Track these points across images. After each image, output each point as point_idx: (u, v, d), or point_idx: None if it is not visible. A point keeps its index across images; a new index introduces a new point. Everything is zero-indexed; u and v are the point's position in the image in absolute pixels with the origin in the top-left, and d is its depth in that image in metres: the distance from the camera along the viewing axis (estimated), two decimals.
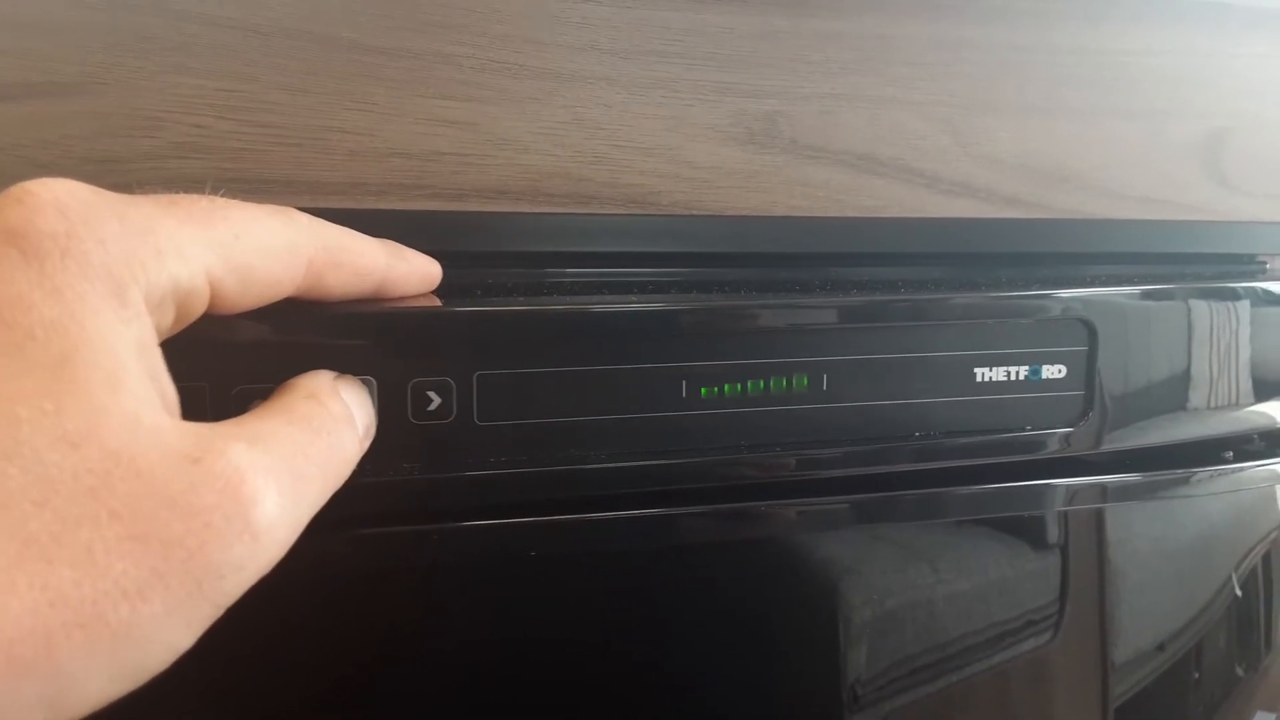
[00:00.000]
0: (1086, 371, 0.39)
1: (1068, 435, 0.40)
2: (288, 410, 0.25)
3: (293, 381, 0.27)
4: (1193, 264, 0.47)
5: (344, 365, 0.30)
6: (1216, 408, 0.45)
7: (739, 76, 0.39)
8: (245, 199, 0.33)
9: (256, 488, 0.22)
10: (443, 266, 0.33)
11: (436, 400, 0.32)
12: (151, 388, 0.22)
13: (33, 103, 0.33)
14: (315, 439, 0.25)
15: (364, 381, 0.30)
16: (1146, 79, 0.45)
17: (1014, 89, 0.43)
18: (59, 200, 0.21)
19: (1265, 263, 0.49)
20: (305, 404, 0.26)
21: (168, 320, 0.23)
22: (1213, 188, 0.47)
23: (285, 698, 0.34)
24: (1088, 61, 0.44)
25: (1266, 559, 0.52)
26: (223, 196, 0.26)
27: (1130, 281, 0.41)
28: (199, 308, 0.24)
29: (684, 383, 0.35)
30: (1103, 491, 0.43)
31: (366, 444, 0.29)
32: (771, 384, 0.36)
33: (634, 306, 0.33)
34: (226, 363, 0.29)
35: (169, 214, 0.23)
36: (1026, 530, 0.43)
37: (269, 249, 0.26)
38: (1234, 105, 0.47)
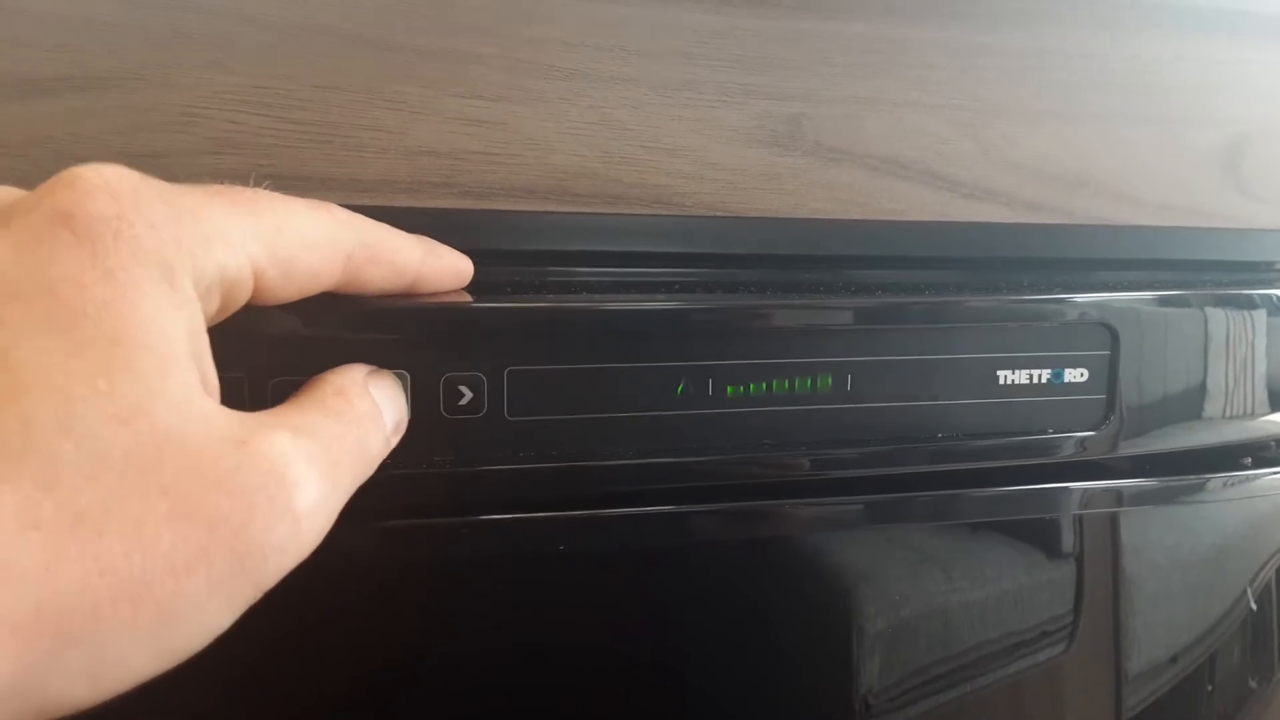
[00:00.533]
0: (1109, 375, 0.39)
1: (1089, 439, 0.40)
2: (319, 404, 0.26)
3: (323, 376, 0.28)
4: (1210, 271, 0.47)
5: (378, 359, 0.30)
6: (1237, 413, 0.45)
7: (764, 79, 0.40)
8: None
9: (300, 473, 0.22)
10: (476, 265, 0.33)
11: (468, 395, 0.32)
12: (198, 372, 0.22)
13: (70, 97, 0.33)
14: (346, 433, 0.25)
15: (397, 375, 0.30)
16: (1165, 85, 0.45)
17: (1033, 94, 0.43)
18: (110, 184, 0.21)
19: None
20: (335, 399, 0.26)
21: (213, 308, 0.24)
22: (1232, 195, 0.47)
23: (313, 688, 0.34)
24: (1107, 67, 0.44)
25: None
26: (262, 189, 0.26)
27: (1152, 287, 0.41)
28: (243, 297, 0.25)
29: (710, 381, 0.35)
30: (1122, 496, 0.43)
31: (396, 439, 0.29)
32: (796, 384, 0.36)
33: (662, 305, 0.34)
34: (264, 354, 0.29)
35: (215, 202, 0.24)
36: (1041, 539, 0.43)
37: (311, 242, 0.26)
38: (1253, 112, 0.47)
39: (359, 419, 0.26)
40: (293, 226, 0.25)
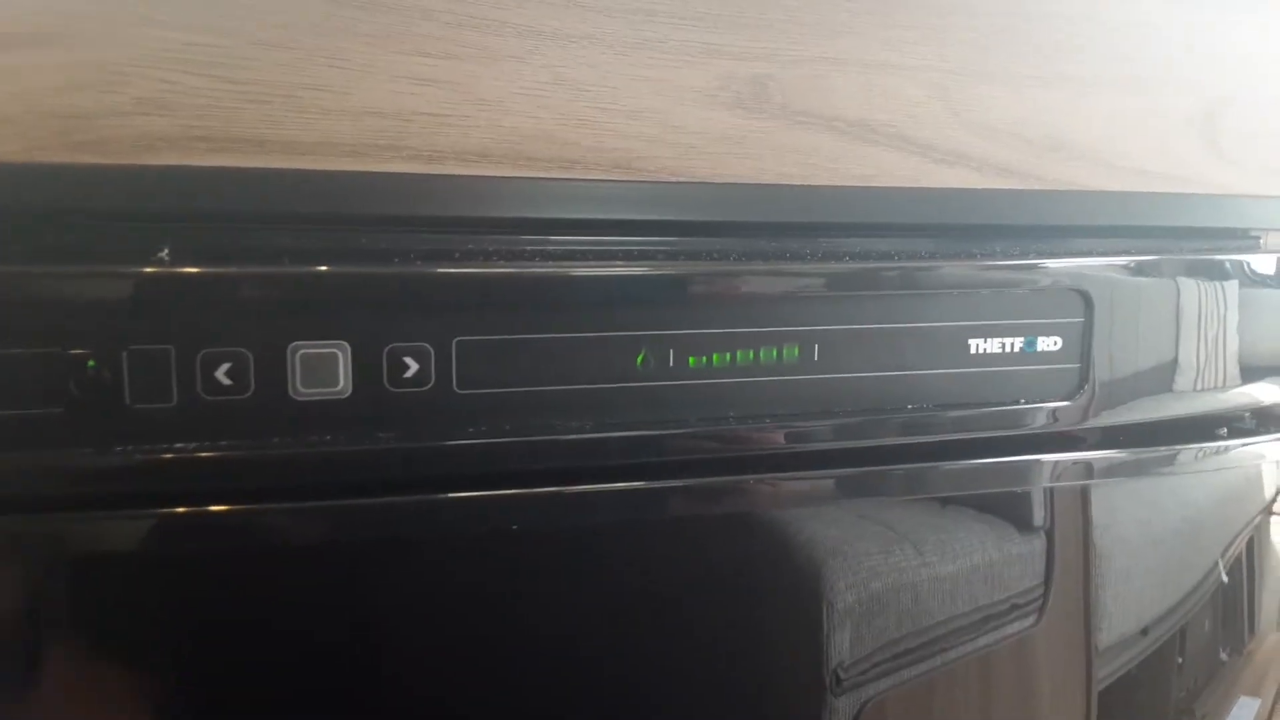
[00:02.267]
0: (1082, 344, 0.39)
1: (1063, 409, 0.39)
2: None
3: None
4: (1186, 238, 0.47)
5: (315, 329, 0.29)
6: (1213, 384, 0.44)
7: (728, 38, 0.38)
8: (213, 158, 0.32)
9: None
10: (420, 232, 0.31)
11: (414, 367, 0.31)
12: None
13: None
14: None
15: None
16: (1142, 49, 0.45)
17: (1008, 56, 0.42)
18: None
19: (1259, 238, 0.49)
20: None
21: None
22: (1208, 160, 0.46)
23: (263, 672, 0.33)
24: (1083, 30, 0.43)
25: (1250, 544, 0.52)
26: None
27: (1127, 253, 0.41)
28: None
29: (672, 352, 0.34)
30: (1095, 468, 0.43)
31: None
32: (761, 354, 0.35)
33: (622, 271, 0.33)
34: (192, 325, 0.28)
35: None
36: (1011, 513, 0.43)
37: None
38: (1232, 77, 0.46)
39: None
40: None
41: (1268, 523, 0.53)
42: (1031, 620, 0.44)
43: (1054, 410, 0.39)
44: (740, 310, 0.34)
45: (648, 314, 0.33)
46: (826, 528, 0.39)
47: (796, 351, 0.35)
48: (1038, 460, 0.41)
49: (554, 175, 0.37)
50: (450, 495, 0.33)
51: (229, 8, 0.33)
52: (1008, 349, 0.38)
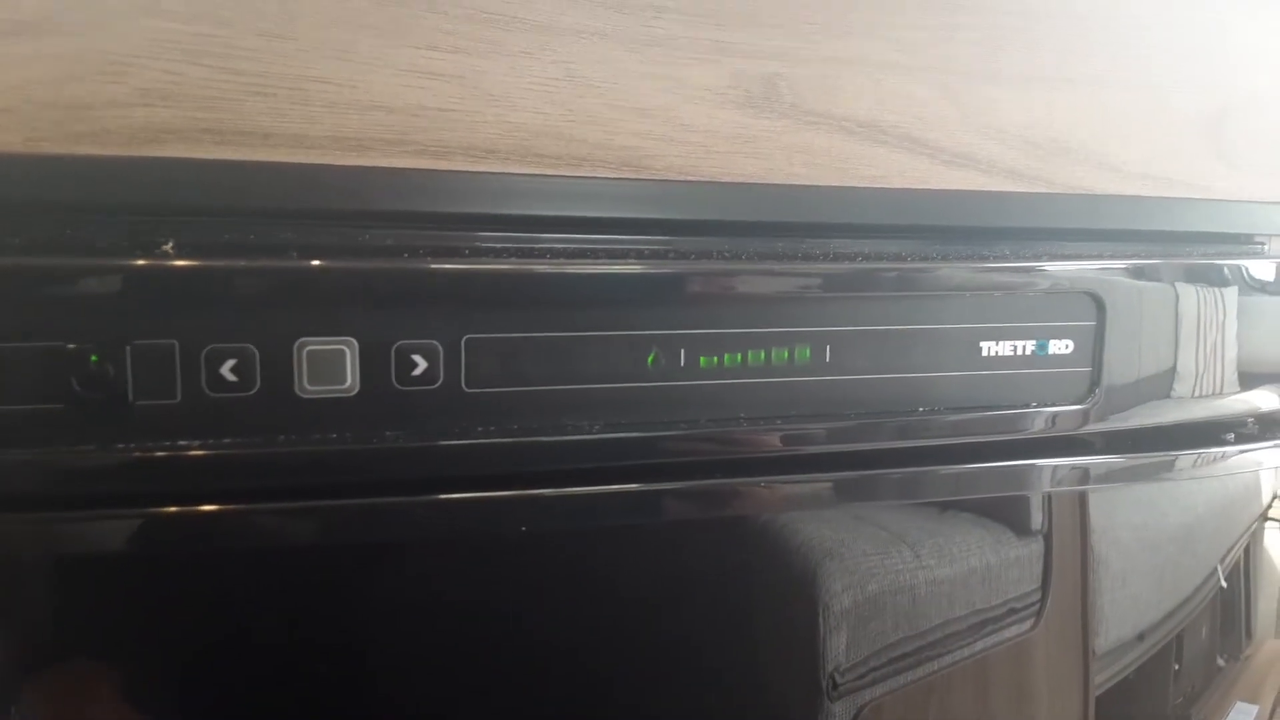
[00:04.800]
0: (1094, 347, 0.39)
1: (1075, 412, 0.39)
2: None
3: None
4: (1193, 243, 0.47)
5: (323, 325, 0.28)
6: (1223, 388, 0.44)
7: (739, 36, 0.38)
8: (218, 151, 0.32)
9: None
10: (427, 228, 0.31)
11: (422, 365, 0.30)
12: None
13: None
14: None
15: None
16: (1150, 51, 0.44)
17: (1018, 58, 0.42)
18: None
19: (1263, 243, 0.49)
20: None
21: None
22: (1214, 163, 0.46)
23: (266, 670, 0.32)
24: (1092, 31, 0.43)
25: (1248, 550, 0.52)
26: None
27: (1139, 256, 0.40)
28: None
29: (683, 352, 0.33)
30: (1105, 472, 0.43)
31: None
32: (773, 355, 0.35)
33: (632, 270, 0.32)
34: (198, 321, 0.27)
35: None
36: (1010, 517, 0.43)
37: None
38: (1240, 80, 0.46)
39: None
40: None
41: (1264, 529, 0.54)
42: (1029, 624, 0.44)
43: (1065, 413, 0.39)
44: (752, 310, 0.34)
45: (659, 313, 0.33)
46: (823, 530, 0.39)
47: (808, 352, 0.35)
48: (1052, 464, 0.41)
49: (562, 173, 0.36)
50: (457, 496, 0.32)
51: None
52: (1019, 352, 0.38)
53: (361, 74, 0.34)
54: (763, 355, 0.34)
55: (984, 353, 0.37)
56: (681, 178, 0.38)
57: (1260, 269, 0.44)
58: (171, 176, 0.31)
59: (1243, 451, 0.47)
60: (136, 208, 0.31)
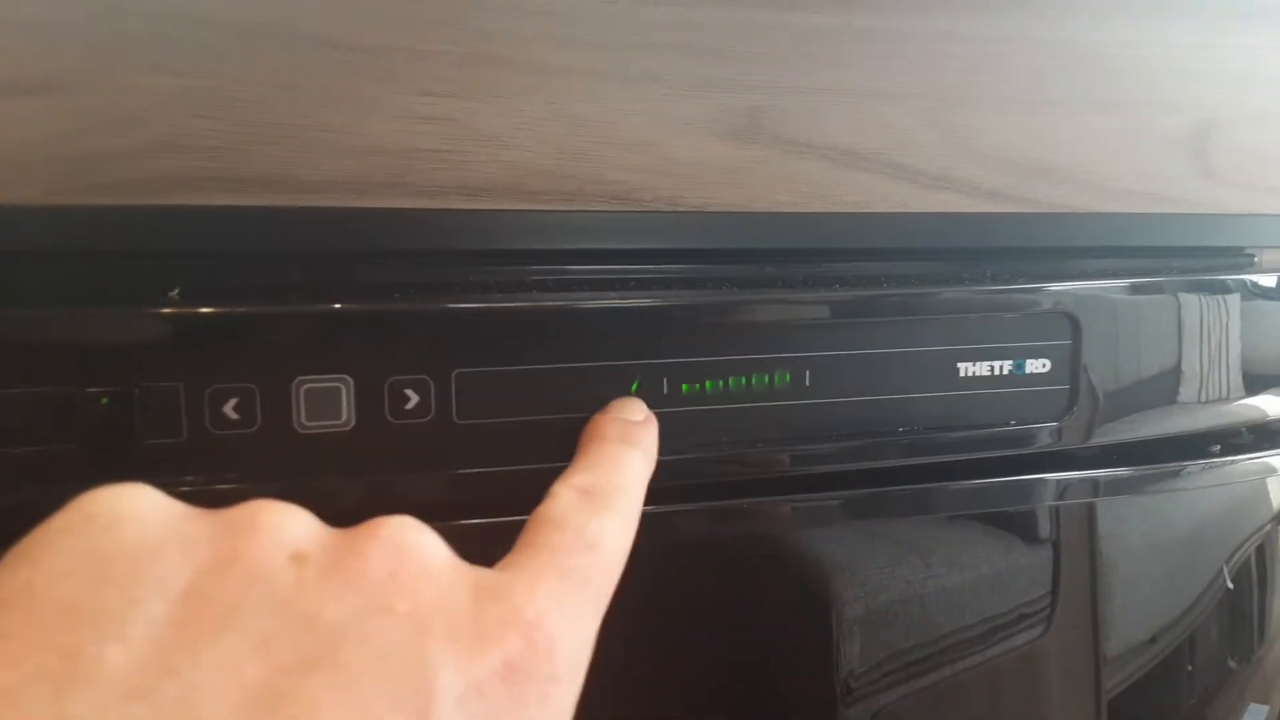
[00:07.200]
0: (1070, 365, 0.39)
1: (1053, 429, 0.40)
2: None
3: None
4: (1179, 257, 0.47)
5: (319, 363, 0.29)
6: (1203, 401, 0.44)
7: (722, 71, 0.39)
8: (224, 197, 0.33)
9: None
10: (422, 265, 0.32)
11: (414, 399, 0.31)
12: None
13: (7, 101, 0.32)
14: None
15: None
16: (1130, 71, 0.45)
17: (995, 81, 0.43)
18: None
19: (1253, 256, 0.49)
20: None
21: None
22: (1198, 180, 0.46)
23: None
24: (1069, 53, 0.44)
25: (1260, 551, 0.52)
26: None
27: (1114, 275, 0.41)
28: None
29: (665, 379, 0.34)
30: (1088, 486, 0.43)
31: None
32: (754, 380, 0.35)
33: (613, 303, 0.33)
34: (200, 363, 0.29)
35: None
36: (1018, 525, 0.43)
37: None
38: (1219, 97, 0.46)
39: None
40: (616, 563, 0.26)
41: (1276, 531, 0.53)
42: (1040, 630, 0.44)
43: (1043, 430, 0.40)
44: (731, 338, 0.35)
45: (641, 343, 0.34)
46: (831, 543, 0.39)
47: (788, 378, 0.36)
48: (1034, 480, 0.42)
49: (554, 208, 0.37)
50: (449, 523, 0.33)
51: (236, 53, 0.34)
52: (996, 371, 0.38)
53: (359, 120, 0.35)
54: (744, 381, 0.35)
55: (961, 374, 0.38)
56: (669, 208, 0.39)
57: (1247, 282, 0.45)
58: (179, 223, 0.33)
59: (1232, 463, 0.47)
60: (147, 253, 0.33)
